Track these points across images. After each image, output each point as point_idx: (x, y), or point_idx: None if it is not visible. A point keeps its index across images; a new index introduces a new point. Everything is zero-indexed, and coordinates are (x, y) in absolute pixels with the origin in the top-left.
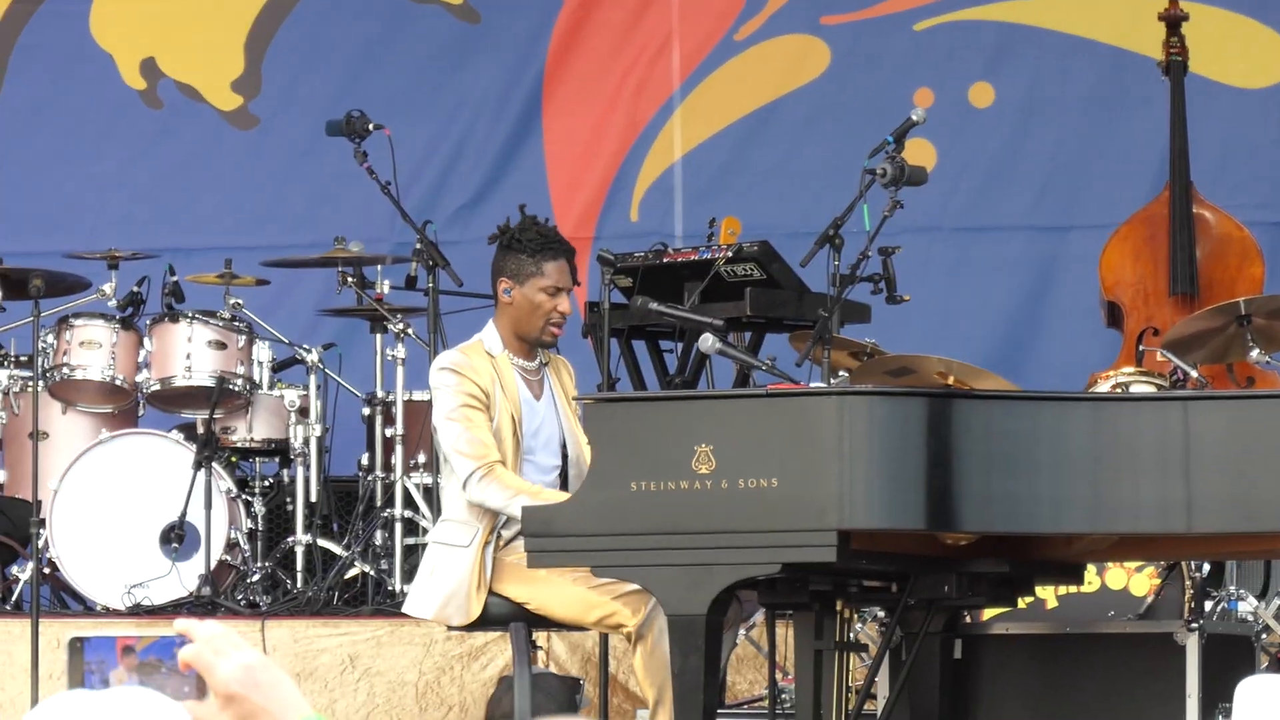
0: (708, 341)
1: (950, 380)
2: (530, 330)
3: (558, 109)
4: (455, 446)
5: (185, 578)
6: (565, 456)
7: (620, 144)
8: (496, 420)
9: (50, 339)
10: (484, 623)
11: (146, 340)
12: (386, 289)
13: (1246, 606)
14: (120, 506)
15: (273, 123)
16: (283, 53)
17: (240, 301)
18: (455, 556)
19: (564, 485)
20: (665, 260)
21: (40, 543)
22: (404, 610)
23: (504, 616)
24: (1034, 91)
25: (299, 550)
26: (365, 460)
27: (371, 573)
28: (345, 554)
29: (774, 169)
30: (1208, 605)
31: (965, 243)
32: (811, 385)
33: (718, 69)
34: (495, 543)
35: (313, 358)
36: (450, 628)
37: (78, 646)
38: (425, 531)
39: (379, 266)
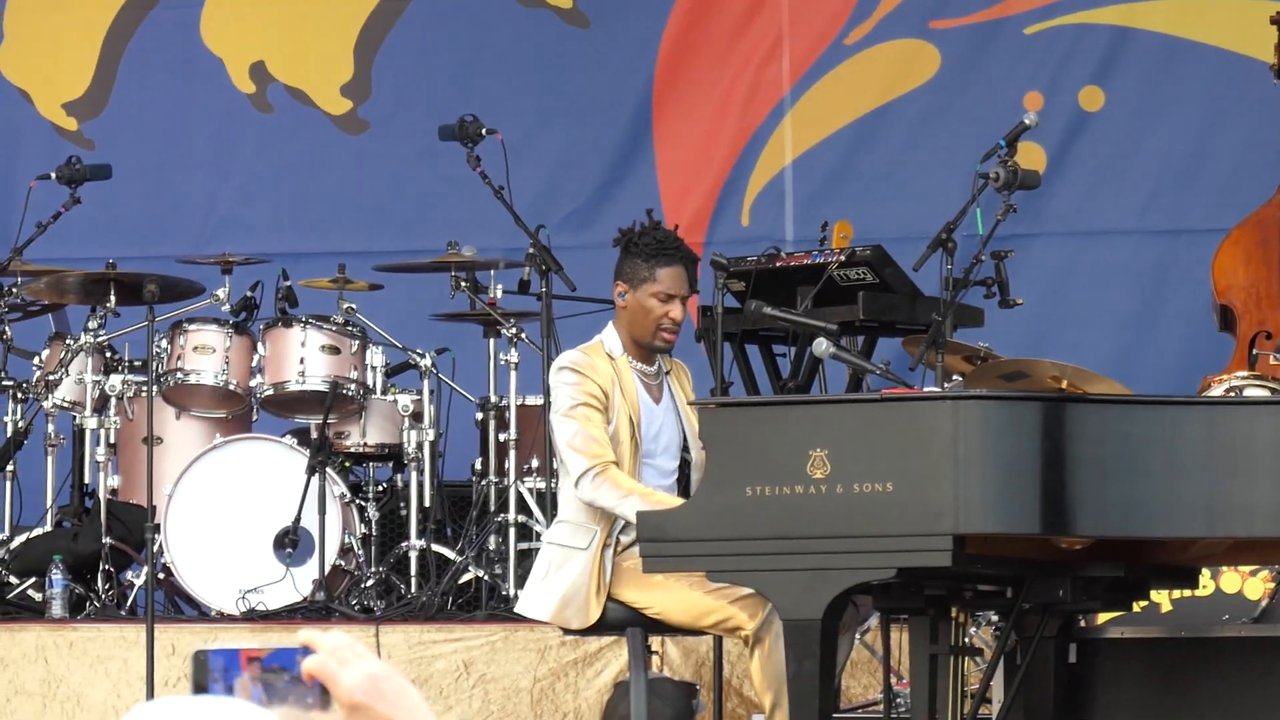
0: (821, 346)
1: (1064, 384)
2: (642, 335)
3: (669, 113)
4: (570, 444)
5: (299, 583)
6: (685, 461)
7: (731, 149)
8: (615, 422)
9: (164, 344)
10: (601, 627)
11: (260, 345)
12: (500, 294)
13: None
14: (234, 511)
15: (382, 127)
16: (392, 57)
17: (354, 306)
18: (573, 558)
19: (683, 490)
20: (778, 264)
21: (155, 548)
22: (518, 610)
23: (620, 621)
24: (1145, 95)
25: (413, 555)
26: (478, 465)
27: (485, 577)
28: (459, 559)
29: (884, 173)
30: None
31: (1077, 247)
32: (925, 389)
33: (828, 73)
34: (615, 547)
35: (426, 363)
36: (567, 631)
37: (202, 660)
38: (538, 536)
39: (492, 271)
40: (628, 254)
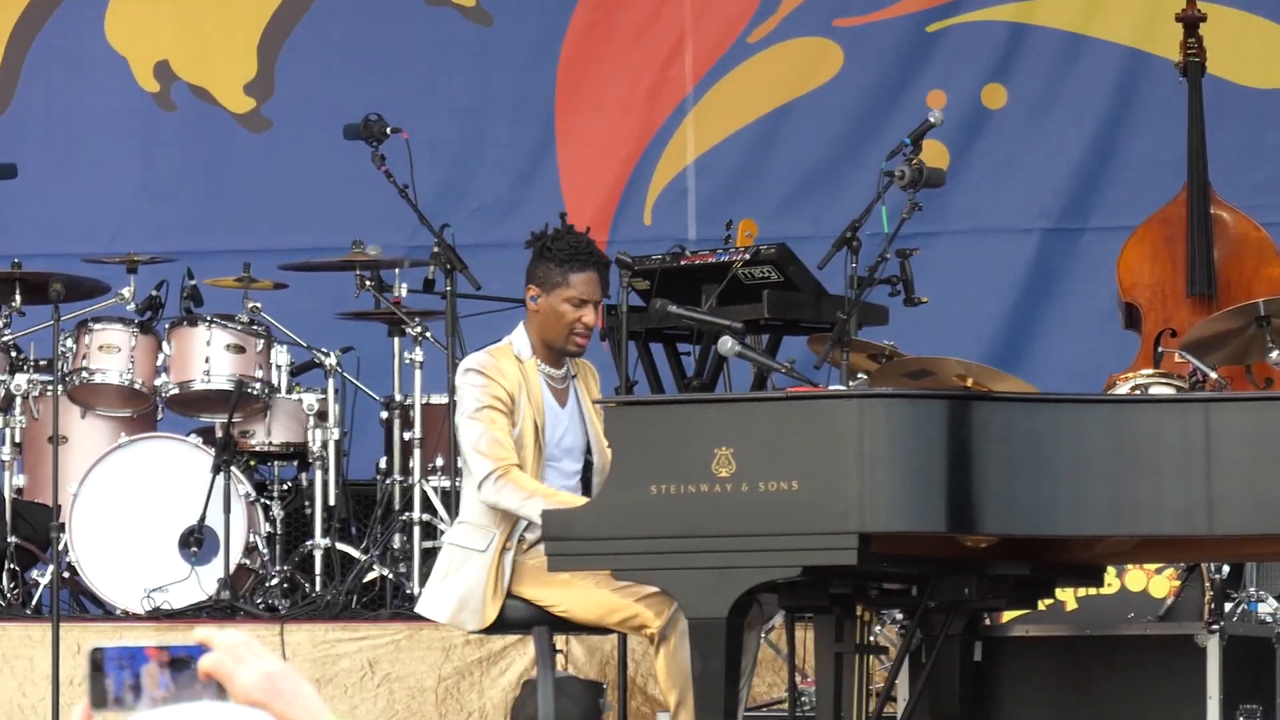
0: (727, 344)
1: (970, 382)
2: (554, 339)
3: (571, 112)
4: (475, 446)
5: (204, 582)
6: (588, 464)
7: (634, 147)
8: (520, 426)
9: (69, 343)
10: (506, 626)
11: (165, 344)
12: (404, 292)
13: (1267, 608)
14: (139, 510)
15: (286, 125)
16: (295, 55)
17: (259, 305)
18: (471, 560)
19: (586, 491)
20: (683, 263)
21: (60, 547)
22: (417, 610)
23: (525, 620)
24: (1047, 92)
25: (318, 554)
26: (383, 464)
27: (390, 576)
28: (364, 558)
29: (787, 172)
30: (1228, 607)
31: (981, 245)
32: (831, 388)
33: (731, 72)
34: (518, 546)
35: (331, 361)
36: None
37: (98, 657)
38: (443, 535)
39: (397, 270)
40: (541, 258)
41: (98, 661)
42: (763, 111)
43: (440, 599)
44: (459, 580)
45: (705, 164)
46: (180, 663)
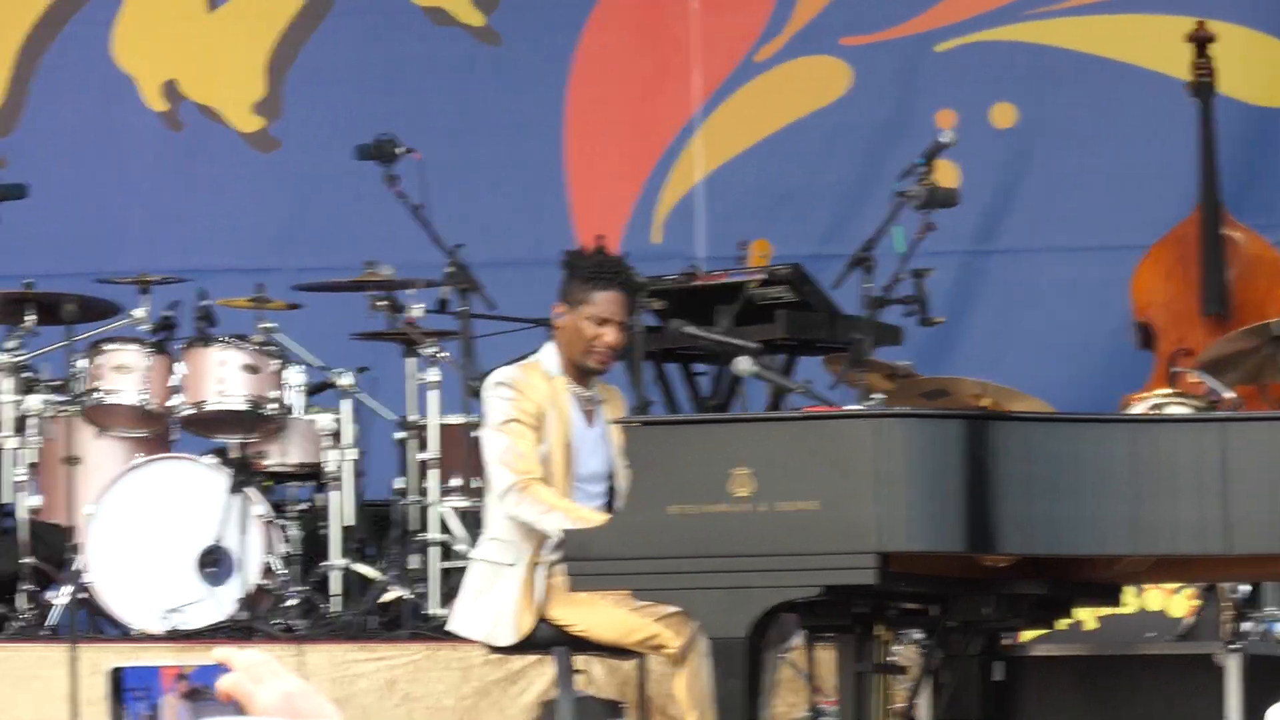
0: (743, 364)
1: (987, 402)
2: (576, 355)
3: (580, 130)
4: (499, 458)
5: (222, 602)
6: (611, 489)
7: (643, 166)
8: (548, 442)
9: (83, 364)
10: (527, 645)
11: (179, 364)
12: (419, 312)
13: None
14: (155, 531)
15: (294, 145)
16: (304, 75)
17: (273, 325)
18: (503, 575)
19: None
20: (697, 283)
21: (76, 568)
22: (449, 628)
23: (546, 640)
24: (1058, 112)
25: (335, 575)
26: (400, 484)
27: (408, 596)
28: (381, 578)
29: (796, 190)
30: (1246, 626)
31: (992, 265)
32: (847, 408)
33: (738, 90)
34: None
35: (346, 382)
36: (495, 649)
37: (118, 676)
38: (461, 555)
39: (411, 290)
40: (570, 275)
41: (117, 684)
42: (771, 130)
43: (474, 616)
44: (493, 596)
45: (714, 182)
46: (197, 692)
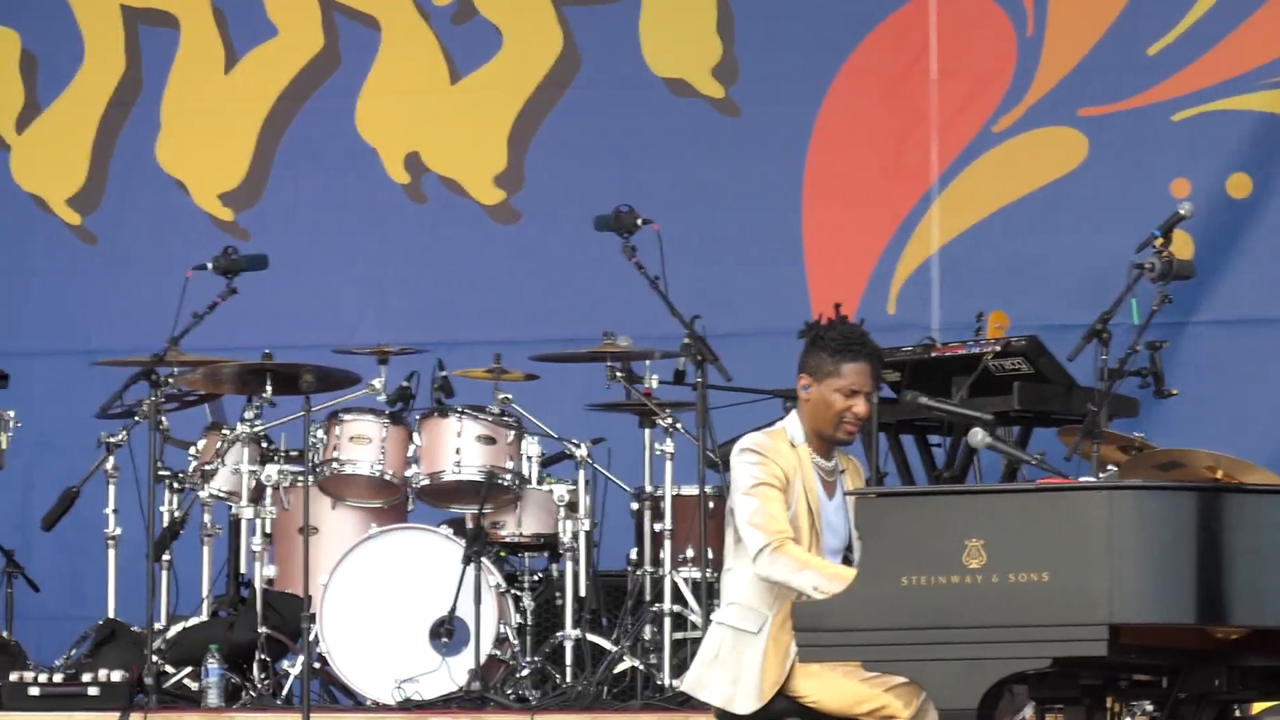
0: (977, 436)
1: (1220, 474)
2: (824, 427)
3: (818, 201)
4: (750, 520)
5: (455, 673)
6: (847, 560)
7: (879, 236)
8: (794, 507)
9: (320, 434)
10: (762, 714)
11: (416, 435)
12: (655, 383)
13: None
14: (390, 601)
15: (535, 217)
16: (545, 148)
17: (509, 396)
18: (744, 642)
19: None
20: (933, 354)
21: (310, 637)
22: (683, 688)
23: (780, 710)
24: None
25: (568, 645)
26: (634, 555)
27: (641, 667)
28: (614, 648)
29: (1032, 261)
30: None
31: (1231, 336)
32: (1081, 479)
33: (976, 160)
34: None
35: (581, 452)
36: (729, 715)
37: None
38: (694, 626)
39: (647, 361)
40: (814, 347)
41: None
42: (1008, 200)
43: (711, 680)
44: (731, 662)
45: (950, 253)
46: None
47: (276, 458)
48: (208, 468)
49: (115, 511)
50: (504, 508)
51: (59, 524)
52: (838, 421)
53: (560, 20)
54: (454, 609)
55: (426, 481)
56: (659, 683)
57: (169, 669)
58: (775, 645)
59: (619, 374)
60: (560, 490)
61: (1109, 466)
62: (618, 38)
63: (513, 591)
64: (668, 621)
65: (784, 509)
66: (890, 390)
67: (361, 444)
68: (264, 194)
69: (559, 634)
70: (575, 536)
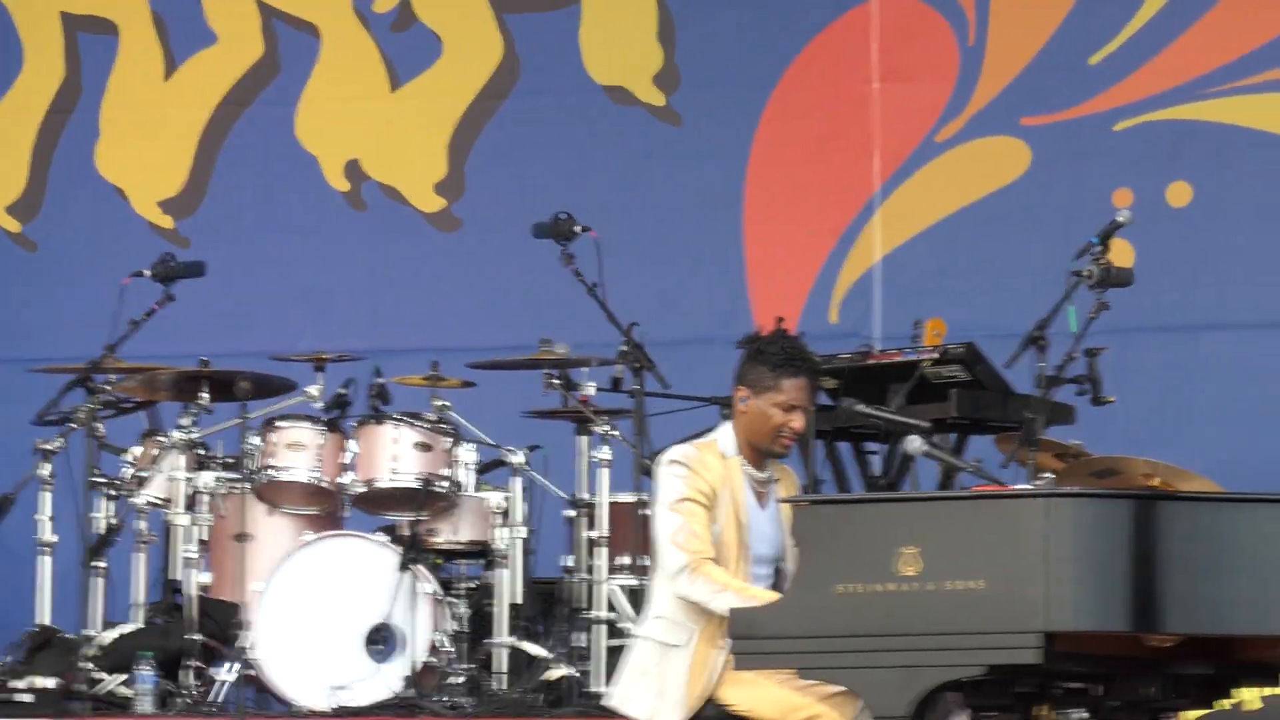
0: (914, 443)
1: (1156, 482)
2: (760, 440)
3: (759, 210)
4: (671, 538)
5: (389, 679)
6: (778, 570)
7: (821, 245)
8: (720, 522)
9: (256, 441)
10: None
11: (352, 442)
12: (592, 391)
13: None
14: (324, 608)
15: (475, 225)
16: (485, 155)
17: (447, 403)
18: (671, 655)
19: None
20: (870, 362)
21: (243, 645)
22: (610, 705)
23: (710, 718)
24: (1233, 190)
25: (501, 652)
26: (569, 562)
27: (573, 674)
28: (547, 656)
29: (974, 270)
30: None
31: (1168, 343)
32: (1017, 487)
33: (918, 170)
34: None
35: (517, 460)
36: None
37: None
38: (628, 634)
39: (585, 368)
40: (754, 360)
41: None
42: (950, 210)
43: (637, 694)
44: (657, 676)
45: (892, 262)
46: None
47: (212, 465)
48: (143, 475)
49: (51, 518)
50: (440, 515)
51: None
52: (774, 435)
53: (501, 27)
54: (389, 616)
55: (363, 488)
56: (591, 689)
57: (102, 675)
58: (701, 658)
59: (556, 381)
60: (495, 497)
61: (1045, 474)
62: (558, 45)
63: (447, 598)
64: (601, 629)
65: (707, 526)
66: (827, 397)
67: (298, 451)
68: (204, 201)
69: (492, 641)
70: (510, 543)
